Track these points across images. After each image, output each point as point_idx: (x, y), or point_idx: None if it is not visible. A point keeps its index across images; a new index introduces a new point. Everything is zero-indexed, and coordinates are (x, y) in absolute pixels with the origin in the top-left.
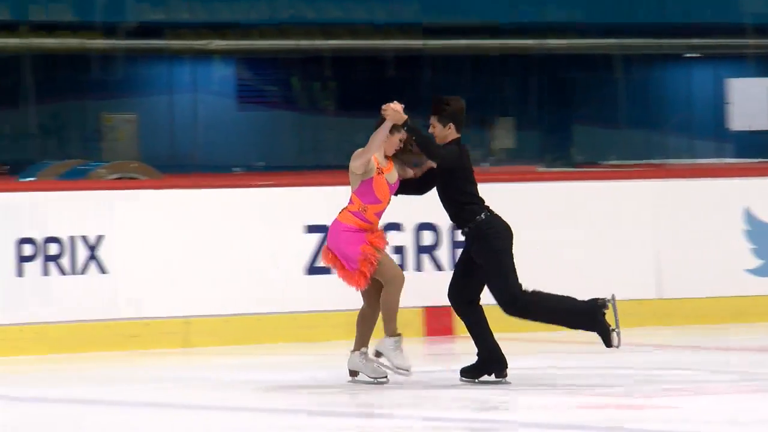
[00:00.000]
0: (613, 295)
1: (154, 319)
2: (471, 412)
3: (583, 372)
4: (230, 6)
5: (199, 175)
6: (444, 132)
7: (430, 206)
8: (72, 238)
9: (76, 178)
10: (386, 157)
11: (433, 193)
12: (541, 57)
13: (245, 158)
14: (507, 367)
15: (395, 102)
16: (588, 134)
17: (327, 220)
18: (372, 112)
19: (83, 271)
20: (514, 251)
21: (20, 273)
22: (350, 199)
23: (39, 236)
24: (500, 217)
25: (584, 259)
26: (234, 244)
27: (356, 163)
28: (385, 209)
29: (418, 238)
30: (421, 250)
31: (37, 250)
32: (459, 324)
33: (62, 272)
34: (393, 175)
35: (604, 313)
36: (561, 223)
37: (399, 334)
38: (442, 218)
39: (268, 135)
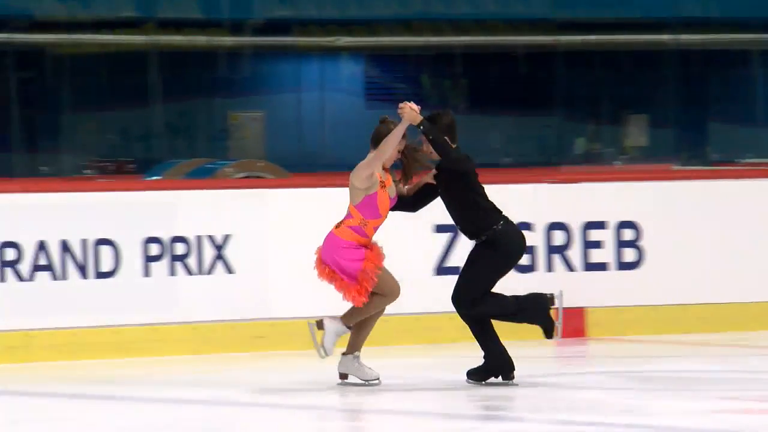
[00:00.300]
0: (561, 292)
1: (280, 320)
2: (606, 415)
3: (714, 376)
4: (359, 2)
5: (327, 173)
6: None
7: (561, 205)
8: (199, 238)
9: (202, 176)
10: (385, 170)
11: (567, 190)
12: (676, 53)
13: None
14: (514, 370)
15: (412, 102)
16: (724, 132)
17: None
18: (504, 110)
19: (210, 271)
20: (518, 262)
21: (147, 273)
22: (349, 213)
23: (166, 236)
24: (515, 227)
25: (720, 259)
26: None
27: (364, 173)
28: (382, 223)
29: (548, 238)
30: (552, 250)
31: (163, 249)
32: (592, 325)
33: (189, 272)
34: (393, 189)
35: (550, 308)
36: (696, 223)
37: (350, 327)
38: (573, 217)
39: None
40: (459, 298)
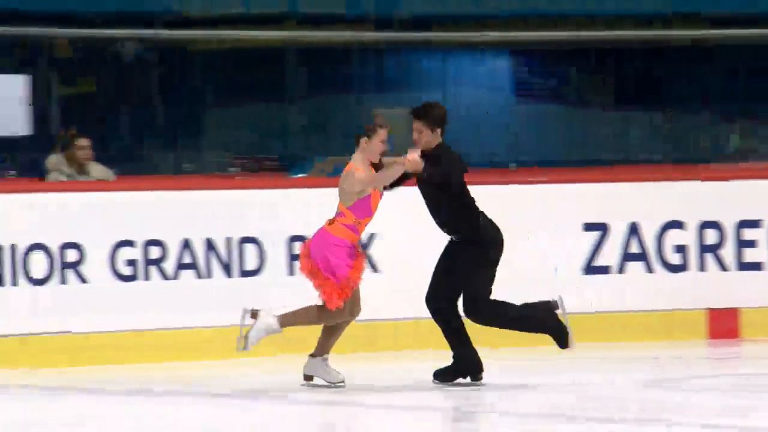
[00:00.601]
0: (560, 297)
1: (425, 320)
2: (758, 420)
3: None
4: None
5: (472, 171)
6: (432, 137)
7: (713, 203)
8: None
9: None
10: (372, 166)
11: (720, 188)
12: None
13: (520, 153)
14: (483, 371)
15: (416, 153)
16: None
17: (602, 218)
18: (648, 106)
19: None
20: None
21: (292, 272)
22: (341, 213)
23: (309, 234)
24: (493, 222)
25: None
26: (509, 242)
27: (354, 189)
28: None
29: (701, 237)
30: (705, 249)
31: None
32: (746, 326)
33: None
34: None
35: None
36: None
37: (280, 330)
38: (726, 216)
39: (542, 130)
40: (468, 307)
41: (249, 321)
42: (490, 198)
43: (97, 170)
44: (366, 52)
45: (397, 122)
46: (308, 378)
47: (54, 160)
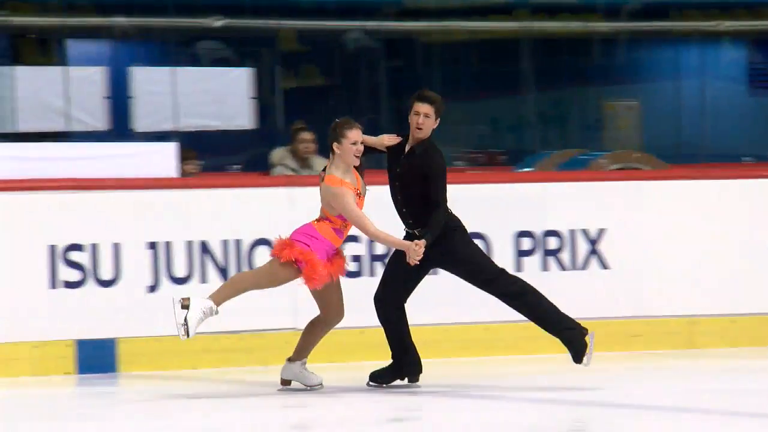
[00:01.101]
0: (593, 333)
1: (656, 318)
2: None
3: None
4: None
5: (707, 165)
6: (433, 126)
7: None
8: (572, 232)
9: (576, 168)
10: (354, 171)
11: None
12: None
13: (756, 147)
14: (421, 372)
15: (421, 247)
16: None
17: None
18: None
19: (584, 267)
20: None
21: (519, 268)
22: (326, 216)
23: (538, 230)
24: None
25: None
26: (743, 239)
27: (339, 209)
28: None
29: None
30: None
31: (536, 244)
32: None
33: (562, 267)
34: (364, 186)
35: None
36: None
37: (217, 311)
38: None
39: None
40: (488, 281)
41: (181, 311)
42: (719, 192)
43: (321, 164)
44: (598, 43)
45: (627, 115)
46: (286, 383)
47: (279, 154)
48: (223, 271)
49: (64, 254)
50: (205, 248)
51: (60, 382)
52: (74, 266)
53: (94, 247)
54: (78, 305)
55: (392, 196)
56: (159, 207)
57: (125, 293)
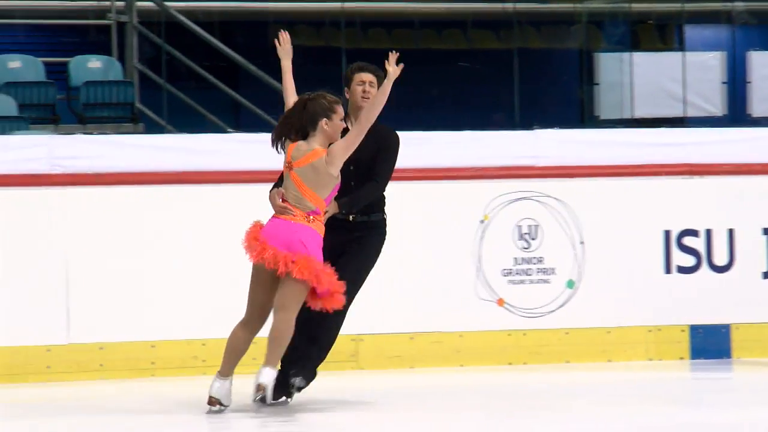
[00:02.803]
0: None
1: None
2: None
3: None
4: None
5: None
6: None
7: None
8: None
9: None
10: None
11: None
12: None
13: None
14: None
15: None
16: None
17: None
18: None
19: None
20: None
21: None
22: (316, 210)
23: None
24: None
25: None
26: None
27: (345, 154)
28: None
29: None
30: None
31: None
32: None
33: None
34: None
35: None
36: None
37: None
38: None
39: None
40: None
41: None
42: None
43: None
44: None
45: None
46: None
47: None
48: None
49: (679, 239)
50: None
51: (673, 366)
52: (688, 251)
53: (708, 232)
54: (692, 291)
55: (342, 186)
56: None
57: (739, 279)
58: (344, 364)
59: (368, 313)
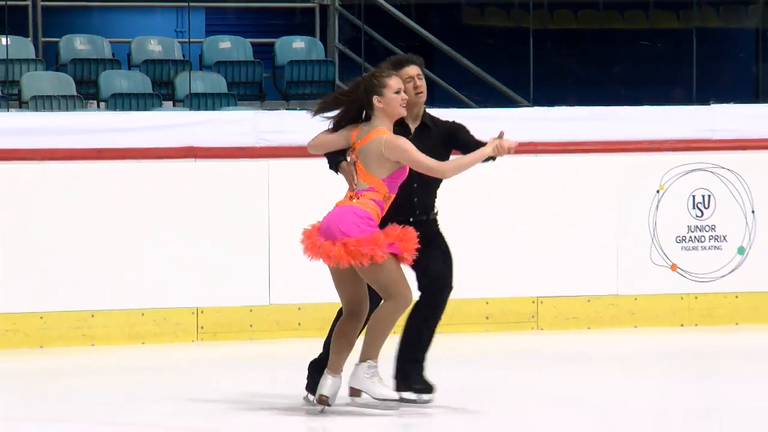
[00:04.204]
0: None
1: None
2: None
3: None
4: None
5: None
6: None
7: None
8: None
9: None
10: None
11: None
12: None
13: None
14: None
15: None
16: None
17: None
18: None
19: None
20: None
21: None
22: (370, 187)
23: None
24: None
25: None
26: None
27: (396, 156)
28: None
29: None
30: None
31: None
32: None
33: None
34: None
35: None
36: None
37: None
38: None
39: None
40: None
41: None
42: None
43: None
44: None
45: None
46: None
47: None
48: None
49: None
50: None
51: None
52: None
53: None
54: None
55: (404, 188)
56: None
57: None
58: (524, 324)
59: (547, 276)
